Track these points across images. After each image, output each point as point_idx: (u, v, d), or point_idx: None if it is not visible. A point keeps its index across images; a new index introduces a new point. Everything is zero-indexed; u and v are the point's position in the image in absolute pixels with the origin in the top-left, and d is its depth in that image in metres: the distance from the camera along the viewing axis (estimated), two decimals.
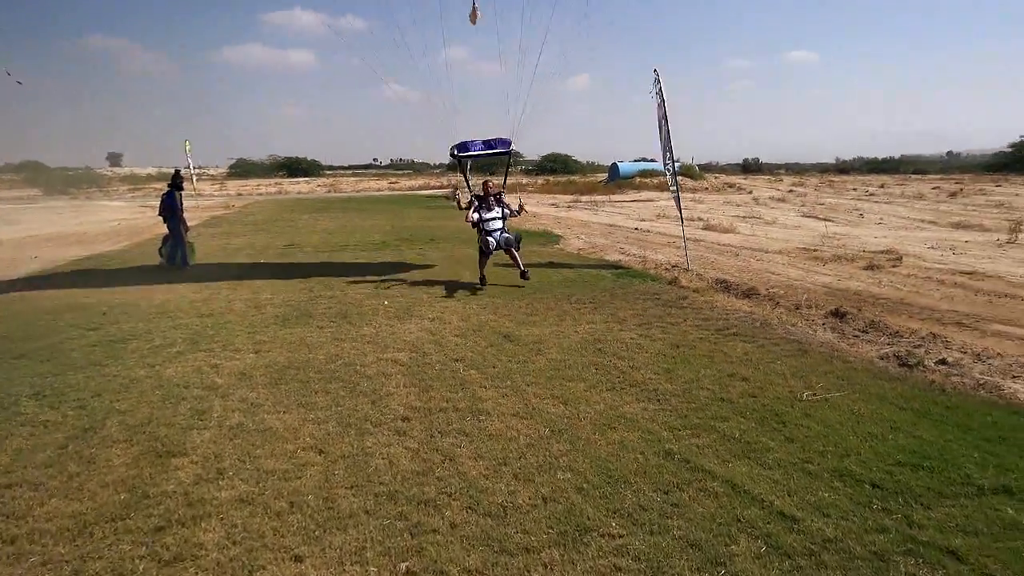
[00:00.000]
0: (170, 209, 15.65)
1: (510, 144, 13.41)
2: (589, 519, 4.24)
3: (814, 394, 6.29)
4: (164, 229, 15.97)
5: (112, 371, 7.46)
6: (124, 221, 29.49)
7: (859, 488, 4.55)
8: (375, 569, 3.78)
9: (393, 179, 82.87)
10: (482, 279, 12.61)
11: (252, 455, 5.28)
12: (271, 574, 3.79)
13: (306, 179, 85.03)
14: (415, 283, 12.86)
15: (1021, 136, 71.27)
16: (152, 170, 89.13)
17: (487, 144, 13.45)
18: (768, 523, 4.15)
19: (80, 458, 5.29)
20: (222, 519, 4.36)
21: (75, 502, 4.62)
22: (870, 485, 4.58)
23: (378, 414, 6.06)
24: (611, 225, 24.05)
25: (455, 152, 13.39)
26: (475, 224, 12.55)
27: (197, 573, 3.82)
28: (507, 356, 7.80)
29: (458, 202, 13.38)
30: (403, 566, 3.81)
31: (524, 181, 63.41)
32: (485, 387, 6.73)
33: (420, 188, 61.03)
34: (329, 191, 60.15)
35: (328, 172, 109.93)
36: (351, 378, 7.07)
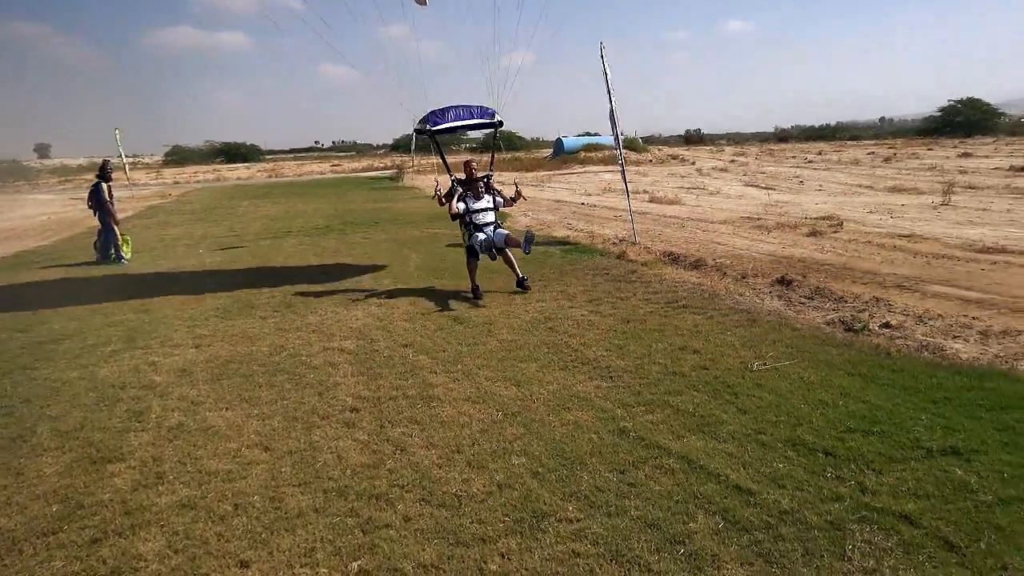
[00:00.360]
0: (99, 202, 15.01)
1: (494, 115, 10.79)
2: (545, 504, 4.14)
3: (764, 364, 6.31)
4: (96, 223, 15.32)
5: (42, 374, 7.09)
6: (54, 215, 28.29)
7: (812, 457, 4.55)
8: (325, 570, 3.62)
9: (336, 162, 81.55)
10: (475, 290, 9.76)
11: (193, 456, 5.05)
12: None
13: (245, 165, 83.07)
14: (362, 269, 12.57)
15: (950, 100, 73.47)
16: (83, 160, 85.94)
17: (468, 112, 10.61)
18: (725, 498, 4.12)
19: (8, 470, 4.98)
20: (163, 526, 4.15)
21: (3, 517, 4.34)
22: (823, 453, 4.58)
23: (325, 406, 5.87)
24: (558, 201, 23.99)
25: (426, 127, 10.42)
26: (459, 216, 10.07)
27: None
28: (457, 339, 7.66)
29: (437, 195, 10.46)
30: (355, 565, 3.66)
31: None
32: (436, 372, 6.59)
33: (364, 170, 60.12)
34: (270, 176, 58.78)
35: (268, 157, 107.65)
36: (296, 370, 6.85)
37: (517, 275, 9.98)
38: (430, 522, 4.02)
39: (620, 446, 4.86)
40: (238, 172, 66.30)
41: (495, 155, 11.25)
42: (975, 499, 3.95)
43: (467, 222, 10.07)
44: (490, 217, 10.08)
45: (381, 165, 62.80)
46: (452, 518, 4.05)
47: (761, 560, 3.52)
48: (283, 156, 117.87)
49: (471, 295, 9.65)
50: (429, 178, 41.25)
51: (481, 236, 9.94)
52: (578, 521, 3.96)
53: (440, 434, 5.21)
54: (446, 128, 10.57)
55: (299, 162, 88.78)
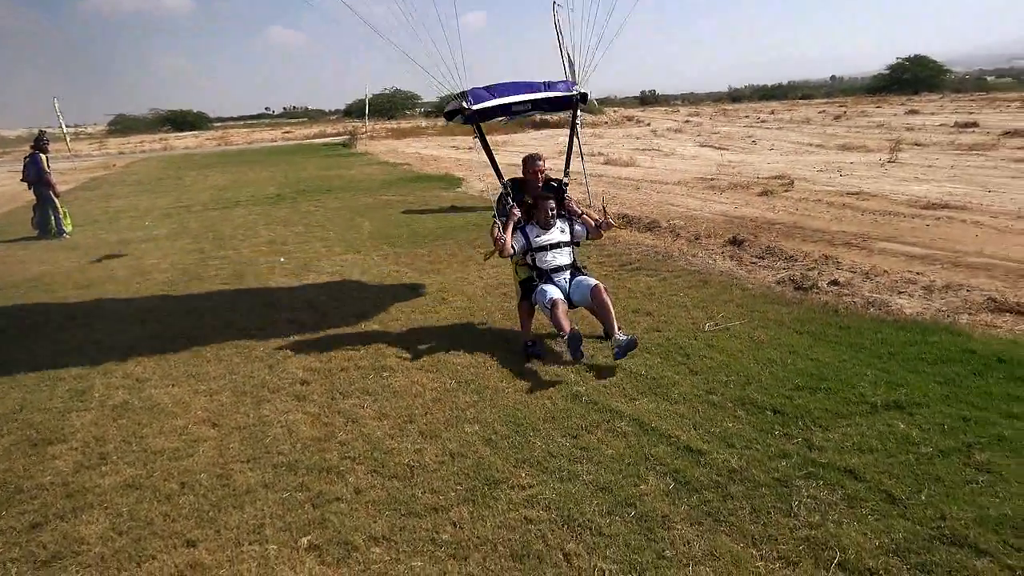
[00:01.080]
0: (37, 174, 14.44)
1: (572, 88, 6.92)
2: (498, 471, 4.14)
3: (716, 324, 6.37)
4: (33, 197, 14.75)
5: None
6: None
7: (761, 415, 4.61)
8: (275, 546, 3.57)
9: (287, 129, 79.63)
10: (530, 346, 6.10)
11: (138, 435, 4.93)
12: (161, 563, 3.52)
13: (193, 133, 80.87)
14: (314, 238, 12.35)
15: (898, 58, 74.52)
16: (22, 131, 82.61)
17: (528, 86, 6.79)
18: (676, 459, 4.15)
19: None
20: (106, 508, 4.04)
21: None
22: (771, 411, 4.65)
23: (276, 379, 5.77)
24: (513, 165, 23.76)
25: (466, 106, 6.49)
26: (512, 255, 6.31)
27: (78, 571, 3.51)
28: (411, 308, 7.58)
29: (493, 232, 6.32)
30: (305, 540, 3.61)
31: (424, 124, 62.13)
32: (389, 343, 6.50)
33: (316, 136, 58.87)
34: (219, 144, 57.29)
35: (217, 124, 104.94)
36: (246, 343, 6.71)
37: (611, 327, 5.80)
38: (381, 493, 3.98)
39: (573, 411, 4.87)
40: (186, 141, 64.51)
41: (572, 149, 6.92)
42: (916, 452, 4.04)
43: (527, 264, 6.38)
44: (565, 258, 6.29)
45: (334, 131, 61.52)
46: (404, 489, 4.02)
47: (710, 519, 3.57)
48: (232, 123, 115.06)
49: (523, 349, 6.07)
50: (383, 144, 40.66)
51: (551, 292, 5.95)
52: (531, 487, 3.96)
53: (392, 404, 5.16)
54: (495, 107, 6.70)
55: (249, 129, 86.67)
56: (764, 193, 14.16)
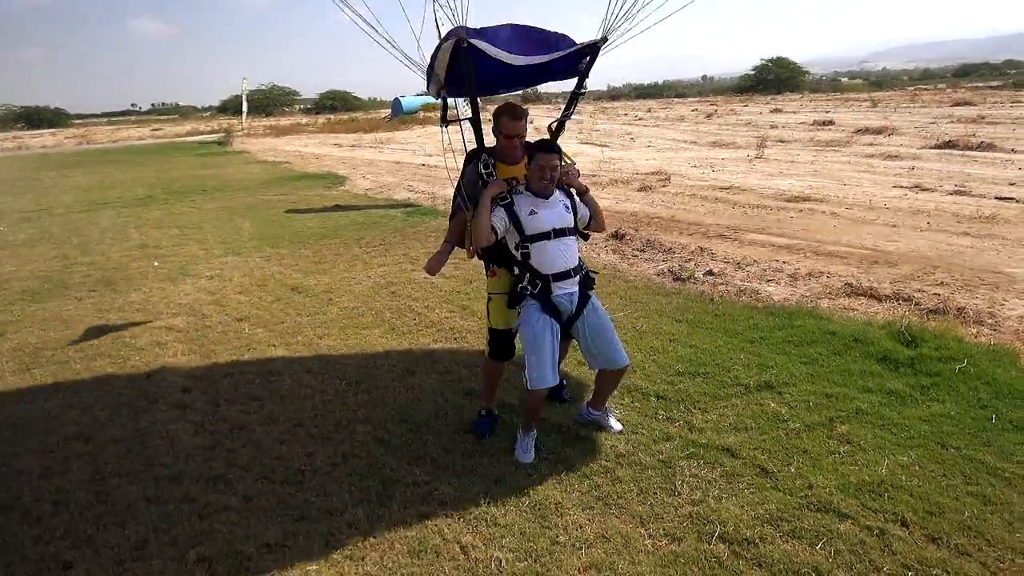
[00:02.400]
0: None
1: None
2: (392, 470, 4.13)
3: None
4: None
5: None
6: None
7: (646, 401, 4.82)
8: (160, 562, 3.43)
9: (156, 126, 75.64)
10: (484, 422, 4.64)
11: (4, 456, 4.60)
12: None
13: (51, 131, 75.40)
14: (190, 240, 11.82)
15: (762, 59, 78.83)
16: None
17: (536, 39, 4.25)
18: (567, 447, 4.28)
19: None
20: None
21: None
22: (656, 397, 4.87)
23: (154, 389, 5.51)
24: (398, 163, 23.59)
25: (459, 38, 3.89)
26: (489, 258, 4.48)
27: None
28: (296, 309, 7.41)
29: (457, 210, 4.48)
30: (193, 553, 3.49)
31: (304, 121, 60.52)
32: (274, 345, 6.35)
33: (189, 134, 56.19)
34: (80, 143, 53.64)
35: (78, 122, 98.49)
36: (119, 352, 6.37)
37: (602, 401, 4.48)
38: (272, 500, 3.90)
39: (465, 407, 4.92)
40: (43, 139, 59.99)
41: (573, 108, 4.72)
42: (786, 427, 4.35)
43: (514, 263, 4.22)
44: (572, 255, 4.14)
45: (208, 129, 58.93)
46: (296, 494, 3.95)
47: (601, 503, 3.71)
48: (96, 121, 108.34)
49: (475, 425, 4.62)
50: (262, 142, 39.30)
51: (545, 355, 4.01)
52: (426, 483, 3.98)
53: (281, 409, 5.05)
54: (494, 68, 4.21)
55: (114, 127, 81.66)
56: (643, 188, 14.67)
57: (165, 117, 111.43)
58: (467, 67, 4.03)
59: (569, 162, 4.29)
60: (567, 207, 4.13)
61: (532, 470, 4.05)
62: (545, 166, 4.00)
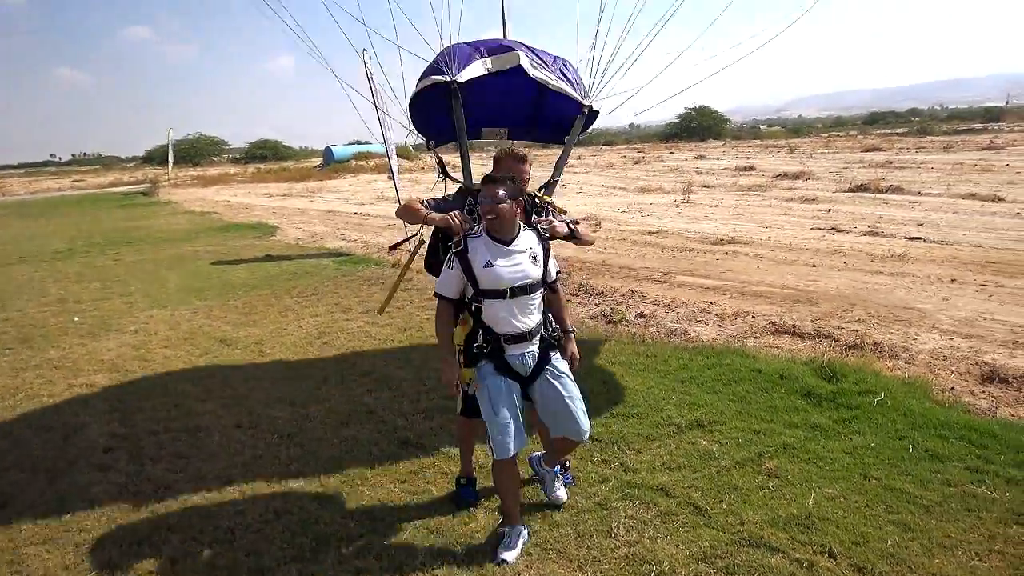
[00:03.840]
0: None
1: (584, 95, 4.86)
2: (326, 525, 4.04)
3: None
4: None
5: None
6: None
7: (580, 445, 4.85)
8: None
9: (77, 177, 73.40)
10: (467, 490, 4.28)
11: None
12: None
13: None
14: (113, 294, 11.43)
15: (685, 108, 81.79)
16: None
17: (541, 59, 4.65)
18: None
19: None
20: None
21: None
22: (590, 440, 4.89)
23: (73, 450, 5.27)
24: (330, 211, 23.45)
25: (445, 78, 4.42)
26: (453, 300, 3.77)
27: None
28: (226, 363, 7.23)
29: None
30: None
31: (233, 171, 59.66)
32: (202, 400, 6.17)
33: (112, 185, 54.69)
34: None
35: None
36: (35, 413, 6.08)
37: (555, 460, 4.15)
38: (198, 562, 3.75)
39: (401, 456, 4.87)
40: None
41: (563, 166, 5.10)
42: (717, 465, 4.44)
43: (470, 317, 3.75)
44: (533, 315, 3.74)
45: (132, 179, 57.45)
46: (225, 553, 3.82)
47: (539, 549, 3.70)
48: (10, 171, 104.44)
49: (456, 497, 4.26)
50: (189, 192, 38.57)
51: (506, 422, 3.62)
52: (361, 537, 3.91)
53: (209, 466, 4.89)
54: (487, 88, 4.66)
55: (31, 178, 78.98)
56: None
57: (86, 168, 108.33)
58: (458, 109, 4.39)
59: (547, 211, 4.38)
60: (535, 258, 3.68)
61: (469, 518, 4.02)
62: (487, 194, 3.59)
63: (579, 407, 3.71)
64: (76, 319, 9.64)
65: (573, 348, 3.95)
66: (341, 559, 3.72)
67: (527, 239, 3.72)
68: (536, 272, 3.68)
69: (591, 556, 3.61)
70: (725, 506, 3.97)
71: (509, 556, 3.58)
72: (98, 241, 18.79)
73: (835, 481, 4.18)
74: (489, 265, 3.59)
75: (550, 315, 3.93)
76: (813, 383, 5.57)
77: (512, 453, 3.60)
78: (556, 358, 3.81)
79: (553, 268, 3.89)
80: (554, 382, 3.71)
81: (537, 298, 3.74)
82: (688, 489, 4.18)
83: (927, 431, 4.72)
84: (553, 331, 3.87)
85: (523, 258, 3.64)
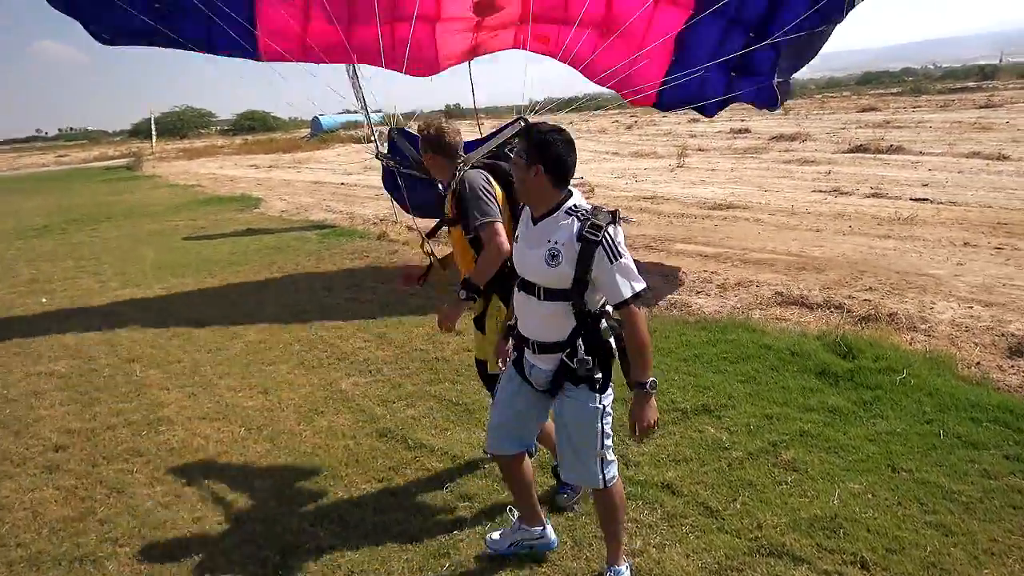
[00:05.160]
0: None
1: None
2: (293, 534, 3.60)
3: None
4: None
5: None
6: None
7: None
8: None
9: (63, 152, 72.08)
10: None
11: None
12: None
13: None
14: (86, 272, 10.92)
15: None
16: None
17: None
18: (493, 494, 3.84)
19: None
20: None
21: None
22: None
23: (22, 449, 4.81)
24: (316, 182, 22.80)
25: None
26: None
27: None
28: (196, 346, 6.76)
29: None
30: None
31: (220, 143, 58.60)
32: (167, 389, 5.71)
33: (97, 159, 53.64)
34: None
35: None
36: None
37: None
38: None
39: (379, 450, 4.43)
40: None
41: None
42: (728, 456, 4.01)
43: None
44: (534, 319, 2.93)
45: (117, 153, 56.33)
46: (177, 571, 3.38)
47: (531, 560, 3.27)
48: None
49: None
50: (174, 165, 37.80)
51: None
52: (332, 548, 3.47)
53: (169, 465, 4.44)
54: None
55: (16, 153, 77.61)
56: None
57: (73, 142, 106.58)
58: None
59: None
60: (553, 256, 2.71)
61: (456, 528, 3.58)
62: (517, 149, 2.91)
63: (584, 461, 2.94)
64: (44, 300, 9.15)
65: (640, 411, 2.88)
66: (313, 572, 3.29)
67: (555, 228, 2.75)
68: (548, 274, 2.74)
69: (590, 569, 3.18)
70: (739, 506, 3.54)
71: (491, 535, 3.37)
72: (76, 217, 18.18)
73: (861, 474, 3.75)
74: (517, 239, 2.95)
75: (581, 343, 2.81)
76: (828, 360, 5.12)
77: (496, 451, 3.20)
78: (574, 398, 2.88)
79: (609, 286, 2.70)
80: (565, 418, 2.96)
81: (548, 308, 2.80)
82: (697, 486, 3.74)
83: (957, 414, 4.29)
84: (581, 363, 2.80)
85: (542, 250, 2.74)
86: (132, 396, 5.60)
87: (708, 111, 8.24)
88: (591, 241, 2.64)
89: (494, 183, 3.53)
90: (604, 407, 2.93)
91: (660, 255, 9.16)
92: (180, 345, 6.81)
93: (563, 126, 2.90)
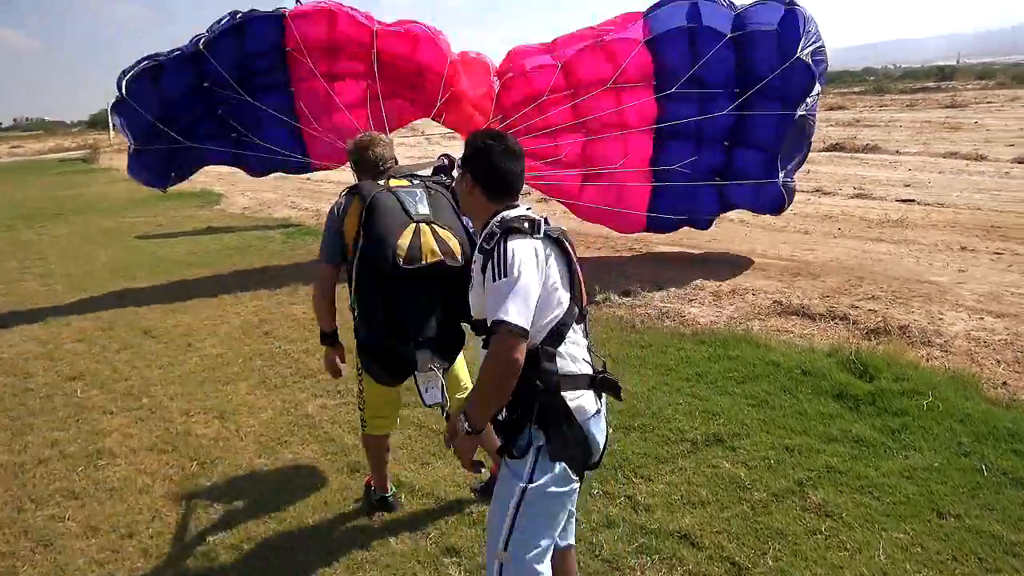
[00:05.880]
0: None
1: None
2: None
3: None
4: None
5: None
6: None
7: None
8: None
9: (16, 143, 69.75)
10: (383, 499, 3.66)
11: None
12: None
13: None
14: (28, 275, 10.16)
15: None
16: None
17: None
18: (481, 547, 3.32)
19: None
20: None
21: None
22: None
23: None
24: (281, 177, 21.92)
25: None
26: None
27: None
28: (146, 360, 6.14)
29: None
30: None
31: None
32: (111, 412, 5.10)
33: (52, 151, 51.89)
34: None
35: None
36: None
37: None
38: None
39: (350, 490, 3.89)
40: None
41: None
42: (750, 498, 3.54)
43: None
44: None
45: (73, 144, 54.54)
46: None
47: None
48: None
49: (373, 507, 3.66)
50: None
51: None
52: None
53: (107, 509, 3.85)
54: None
55: None
56: (543, 200, 13.91)
57: (28, 133, 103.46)
58: None
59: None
60: (471, 278, 2.32)
61: (438, 565, 3.07)
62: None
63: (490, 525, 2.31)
64: None
65: (452, 437, 2.23)
66: None
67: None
68: (472, 303, 2.32)
69: None
70: (771, 562, 3.06)
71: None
72: (25, 213, 17.26)
73: (903, 520, 3.30)
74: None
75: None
76: (844, 380, 4.68)
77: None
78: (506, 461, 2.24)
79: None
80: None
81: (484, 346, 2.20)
82: (719, 535, 3.27)
83: (996, 444, 3.87)
84: (503, 419, 2.23)
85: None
86: (70, 422, 4.97)
87: (700, 225, 8.54)
88: (484, 252, 2.16)
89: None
90: (528, 490, 2.14)
91: (644, 258, 8.73)
92: (128, 360, 6.18)
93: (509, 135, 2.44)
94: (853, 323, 5.95)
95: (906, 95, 47.19)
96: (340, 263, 3.20)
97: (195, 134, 8.32)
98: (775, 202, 7.62)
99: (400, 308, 3.00)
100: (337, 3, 8.01)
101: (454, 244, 2.98)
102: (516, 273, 2.04)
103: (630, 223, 8.30)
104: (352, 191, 3.13)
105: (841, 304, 6.40)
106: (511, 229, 2.13)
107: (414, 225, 2.95)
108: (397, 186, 3.10)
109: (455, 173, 3.15)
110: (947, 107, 32.62)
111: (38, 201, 19.77)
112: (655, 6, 7.65)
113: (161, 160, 8.42)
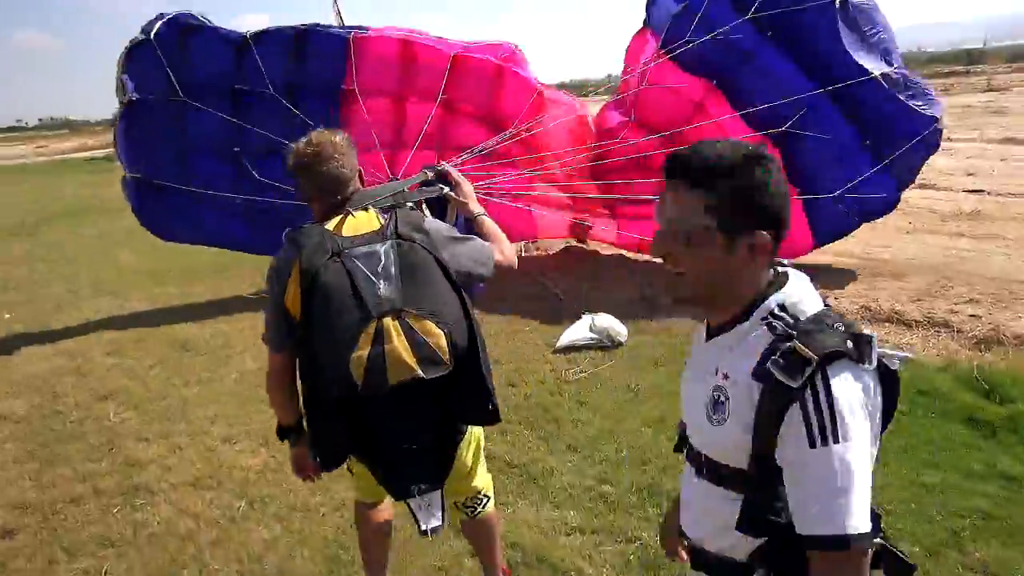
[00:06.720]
0: None
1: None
2: None
3: (582, 370, 5.16)
4: None
5: None
6: None
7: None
8: None
9: (41, 143, 70.15)
10: None
11: None
12: None
13: None
14: (54, 280, 9.80)
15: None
16: None
17: None
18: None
19: None
20: None
21: None
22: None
23: None
24: None
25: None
26: None
27: None
28: (182, 377, 5.69)
29: None
30: None
31: None
32: (146, 439, 4.65)
33: (77, 151, 51.96)
34: None
35: None
36: None
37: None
38: None
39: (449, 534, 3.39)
40: None
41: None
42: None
43: None
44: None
45: (97, 144, 54.49)
46: None
47: None
48: None
49: None
50: None
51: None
52: None
53: (147, 559, 3.40)
54: None
55: None
56: None
57: (53, 132, 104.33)
58: None
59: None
60: (715, 403, 1.43)
61: None
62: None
63: None
64: (8, 315, 8.04)
65: None
66: None
67: (735, 348, 1.38)
68: (710, 436, 1.47)
69: None
70: None
71: None
72: (50, 214, 16.98)
73: None
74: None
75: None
76: (970, 402, 4.12)
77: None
78: None
79: (795, 496, 1.31)
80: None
81: (712, 496, 1.46)
82: None
83: None
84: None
85: (704, 387, 1.48)
86: (103, 451, 4.53)
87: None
88: (781, 387, 1.25)
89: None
90: None
91: None
92: (164, 376, 5.75)
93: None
94: (957, 331, 5.37)
95: (938, 79, 45.93)
96: (292, 348, 2.23)
97: (194, 169, 6.74)
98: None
99: (371, 428, 2.16)
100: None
101: (438, 340, 2.03)
102: (852, 434, 1.23)
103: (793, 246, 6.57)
104: (293, 242, 2.17)
105: (938, 309, 5.81)
106: (834, 354, 1.25)
107: (375, 324, 1.99)
108: (352, 240, 2.12)
109: (446, 191, 2.56)
110: (985, 91, 31.55)
111: (66, 201, 19.55)
112: None
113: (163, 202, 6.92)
